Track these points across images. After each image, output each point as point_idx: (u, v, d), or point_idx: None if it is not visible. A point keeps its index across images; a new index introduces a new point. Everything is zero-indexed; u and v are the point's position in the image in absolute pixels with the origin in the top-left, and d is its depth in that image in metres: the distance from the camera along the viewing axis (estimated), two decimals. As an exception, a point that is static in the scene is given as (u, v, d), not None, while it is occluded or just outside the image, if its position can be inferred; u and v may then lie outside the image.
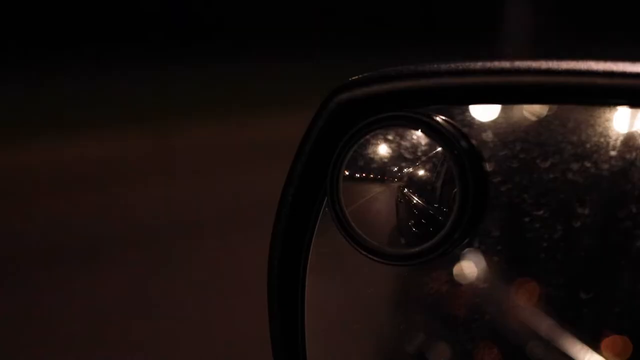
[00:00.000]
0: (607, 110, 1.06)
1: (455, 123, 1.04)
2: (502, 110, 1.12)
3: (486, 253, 1.16)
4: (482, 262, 1.18)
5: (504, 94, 1.03)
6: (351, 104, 1.05)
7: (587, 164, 1.10)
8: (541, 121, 1.10)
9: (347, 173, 1.04)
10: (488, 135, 1.12)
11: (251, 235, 4.06)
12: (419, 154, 1.02)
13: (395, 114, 1.03)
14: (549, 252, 1.12)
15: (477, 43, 13.41)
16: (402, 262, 1.05)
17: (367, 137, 1.03)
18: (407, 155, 1.03)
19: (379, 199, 1.04)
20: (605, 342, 1.13)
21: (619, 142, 1.10)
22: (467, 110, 1.08)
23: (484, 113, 1.11)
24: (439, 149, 1.02)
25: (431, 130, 1.02)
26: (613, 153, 1.10)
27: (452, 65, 1.04)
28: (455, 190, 1.01)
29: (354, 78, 1.07)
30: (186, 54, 16.26)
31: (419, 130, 1.02)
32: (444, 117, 1.04)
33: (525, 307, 1.19)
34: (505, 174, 1.12)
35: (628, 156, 1.11)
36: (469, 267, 1.19)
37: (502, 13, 15.09)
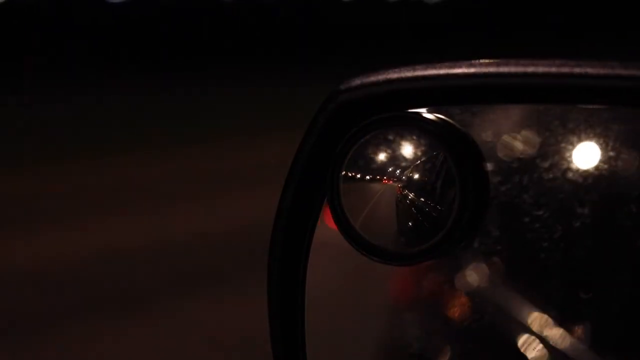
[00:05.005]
0: (607, 110, 1.07)
1: (455, 123, 1.04)
2: (502, 110, 1.12)
3: (486, 253, 1.16)
4: (482, 262, 1.18)
5: (504, 94, 1.02)
6: (351, 104, 1.05)
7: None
8: (541, 121, 1.11)
9: (347, 173, 1.04)
10: (488, 135, 1.12)
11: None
12: (419, 154, 1.02)
13: (396, 114, 1.03)
14: (549, 252, 1.12)
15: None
16: (402, 262, 1.05)
17: (367, 137, 1.03)
18: (407, 156, 1.03)
19: (379, 199, 1.04)
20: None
21: (618, 142, 1.10)
22: (467, 110, 1.08)
23: (484, 113, 1.11)
24: (439, 149, 1.02)
25: (431, 130, 1.02)
26: (613, 153, 1.11)
27: (453, 65, 1.04)
28: (455, 190, 1.00)
29: (353, 78, 1.07)
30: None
31: (419, 130, 1.02)
32: (443, 117, 1.03)
33: (524, 306, 1.19)
34: (505, 174, 1.12)
35: (627, 156, 1.11)
36: (469, 267, 1.19)
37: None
